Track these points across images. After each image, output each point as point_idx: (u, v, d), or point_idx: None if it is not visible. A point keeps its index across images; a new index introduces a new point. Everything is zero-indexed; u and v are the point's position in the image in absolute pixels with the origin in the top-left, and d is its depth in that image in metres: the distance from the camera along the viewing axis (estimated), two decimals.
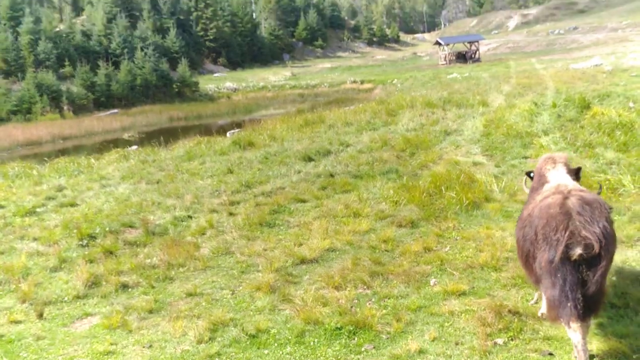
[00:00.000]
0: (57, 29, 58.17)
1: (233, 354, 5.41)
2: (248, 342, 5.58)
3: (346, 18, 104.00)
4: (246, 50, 76.71)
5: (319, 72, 71.56)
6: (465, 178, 11.07)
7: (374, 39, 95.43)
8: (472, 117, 19.87)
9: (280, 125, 22.51)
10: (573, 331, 4.56)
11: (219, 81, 60.99)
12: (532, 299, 5.97)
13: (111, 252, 8.58)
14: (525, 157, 13.20)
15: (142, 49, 51.77)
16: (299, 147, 16.45)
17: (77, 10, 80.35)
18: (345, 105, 33.04)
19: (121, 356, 5.50)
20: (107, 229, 9.63)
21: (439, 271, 6.96)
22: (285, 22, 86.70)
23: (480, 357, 4.99)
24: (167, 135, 26.22)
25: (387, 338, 5.47)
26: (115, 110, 42.13)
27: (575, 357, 4.62)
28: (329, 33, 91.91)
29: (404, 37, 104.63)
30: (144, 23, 63.97)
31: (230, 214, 10.24)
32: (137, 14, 67.17)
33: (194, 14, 73.29)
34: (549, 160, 5.66)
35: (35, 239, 9.50)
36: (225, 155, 16.72)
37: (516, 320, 5.47)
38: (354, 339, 5.51)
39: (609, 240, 4.57)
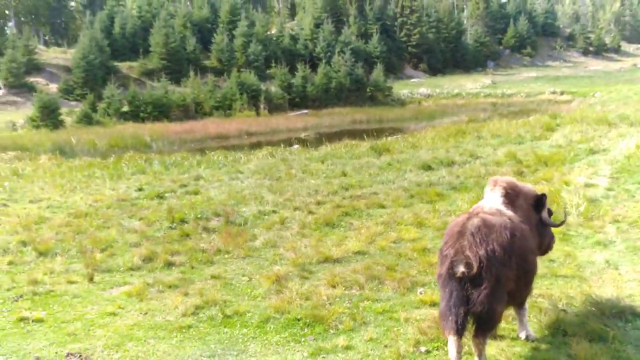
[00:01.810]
0: (269, 33, 62.60)
1: (201, 328, 6.29)
2: (219, 321, 6.41)
3: (561, 26, 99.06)
4: (449, 56, 76.40)
5: (522, 81, 69.21)
6: (552, 197, 10.84)
7: (590, 49, 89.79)
8: (632, 136, 18.70)
9: (432, 133, 22.82)
10: (450, 344, 4.80)
11: (414, 87, 61.68)
12: None
13: (188, 235, 9.86)
14: None
15: (338, 53, 54.06)
16: (427, 156, 16.78)
17: (294, 15, 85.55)
18: (528, 116, 32.15)
19: (119, 317, 6.61)
20: (199, 216, 10.96)
21: (435, 282, 7.22)
22: (493, 28, 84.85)
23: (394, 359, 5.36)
24: (340, 136, 27.54)
25: (333, 333, 5.99)
26: (305, 111, 44.65)
27: None
28: (540, 41, 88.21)
29: (626, 46, 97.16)
30: (349, 28, 66.47)
31: (310, 212, 11.06)
32: (344, 19, 69.93)
33: (399, 19, 74.55)
34: (491, 182, 5.78)
35: (141, 219, 11.07)
36: (358, 159, 17.55)
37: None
38: (305, 329, 6.11)
39: (493, 263, 4.71)
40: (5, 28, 69.71)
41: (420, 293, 6.90)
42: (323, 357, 5.48)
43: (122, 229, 10.39)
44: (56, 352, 5.74)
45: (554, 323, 5.93)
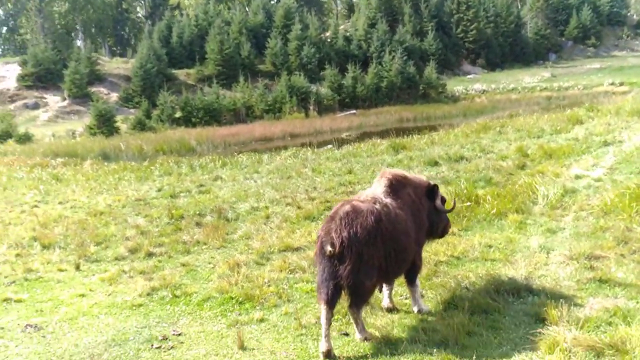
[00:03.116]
0: (323, 35, 63.63)
1: (150, 306, 7.23)
2: (167, 300, 7.35)
3: (629, 14, 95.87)
4: (508, 50, 75.46)
5: (584, 73, 67.59)
6: (526, 188, 11.35)
7: None
8: None
9: (457, 130, 23.21)
10: (322, 312, 5.56)
11: (469, 83, 61.43)
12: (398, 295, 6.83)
13: (180, 229, 10.85)
14: None
15: (389, 52, 54.47)
16: (440, 152, 17.28)
17: (351, 16, 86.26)
18: (577, 108, 31.88)
19: (85, 298, 7.63)
20: (197, 212, 11.97)
21: None
22: (555, 20, 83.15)
23: (296, 329, 6.16)
24: (383, 135, 28.10)
25: (258, 309, 6.82)
26: (354, 111, 45.36)
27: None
28: (605, 31, 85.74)
29: None
30: (404, 27, 66.72)
31: (298, 207, 11.85)
32: (399, 18, 70.22)
33: (455, 16, 74.20)
34: (380, 174, 6.49)
35: (146, 216, 12.16)
36: (374, 157, 18.24)
37: None
38: (236, 306, 6.97)
39: (353, 243, 5.44)
40: (76, 42, 73.52)
41: None
42: (237, 327, 6.30)
43: (126, 225, 11.48)
44: (18, 324, 6.80)
45: (450, 299, 6.59)
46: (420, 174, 8.40)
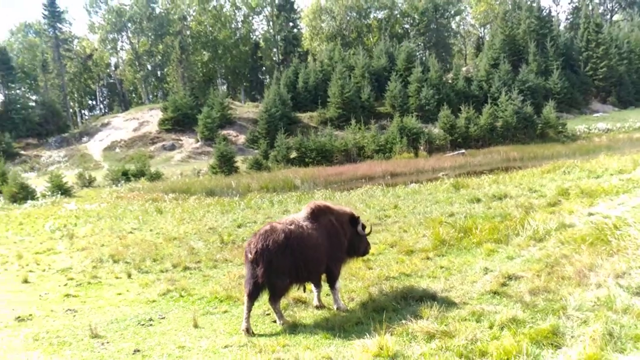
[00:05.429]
0: (444, 77, 65.19)
1: (160, 302, 9.69)
2: (174, 298, 9.78)
3: None
4: None
5: None
6: (519, 222, 12.71)
7: None
8: None
9: (528, 170, 24.17)
10: (245, 303, 7.71)
11: (592, 121, 60.28)
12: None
13: (222, 251, 13.33)
14: None
15: (506, 93, 55.07)
16: (490, 190, 18.63)
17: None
18: None
19: (120, 296, 10.25)
20: (245, 239, 14.40)
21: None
22: None
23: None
24: (480, 174, 29.40)
25: (228, 305, 9.05)
26: (463, 151, 46.47)
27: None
28: None
29: None
30: (528, 66, 66.76)
31: None
32: (524, 57, 70.25)
33: (584, 54, 73.08)
34: (308, 203, 8.54)
35: (205, 241, 14.78)
36: (432, 195, 19.88)
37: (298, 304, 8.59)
38: (216, 303, 9.25)
39: (265, 253, 7.55)
40: (218, 88, 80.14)
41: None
42: (205, 315, 8.58)
43: (186, 246, 14.16)
44: (64, 308, 9.50)
45: (366, 301, 8.48)
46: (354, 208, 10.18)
